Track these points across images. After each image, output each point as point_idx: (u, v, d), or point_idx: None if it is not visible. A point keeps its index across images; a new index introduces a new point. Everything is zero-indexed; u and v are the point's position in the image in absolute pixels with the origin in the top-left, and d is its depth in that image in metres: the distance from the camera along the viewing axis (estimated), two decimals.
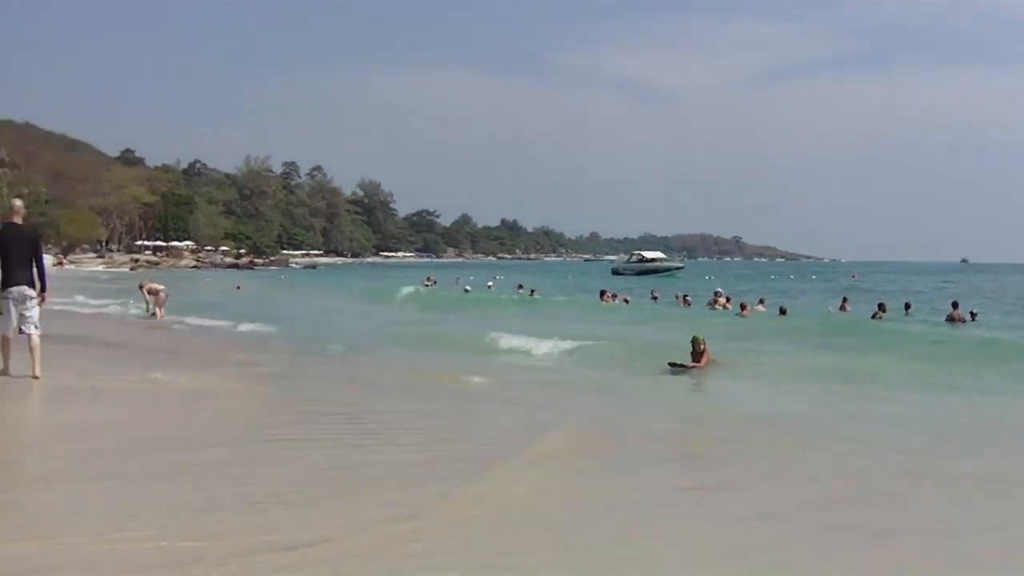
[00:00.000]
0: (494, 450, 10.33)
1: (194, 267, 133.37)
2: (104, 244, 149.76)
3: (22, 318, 13.65)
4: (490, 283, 63.93)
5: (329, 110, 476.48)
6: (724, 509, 8.14)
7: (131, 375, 15.80)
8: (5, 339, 13.68)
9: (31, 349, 13.59)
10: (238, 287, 62.77)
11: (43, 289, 14.00)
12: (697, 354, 19.57)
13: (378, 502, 7.71)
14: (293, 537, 6.52)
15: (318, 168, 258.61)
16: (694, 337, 19.94)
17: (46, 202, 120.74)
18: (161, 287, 31.82)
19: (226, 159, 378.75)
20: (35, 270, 13.81)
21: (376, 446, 10.54)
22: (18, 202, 14.73)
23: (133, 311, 32.91)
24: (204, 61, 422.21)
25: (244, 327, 28.29)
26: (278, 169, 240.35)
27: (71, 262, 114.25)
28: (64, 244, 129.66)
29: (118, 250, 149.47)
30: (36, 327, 13.70)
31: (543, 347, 22.12)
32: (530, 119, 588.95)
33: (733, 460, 10.60)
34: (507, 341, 22.87)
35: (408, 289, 50.89)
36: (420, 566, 6.07)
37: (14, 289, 13.54)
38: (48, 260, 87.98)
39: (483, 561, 6.27)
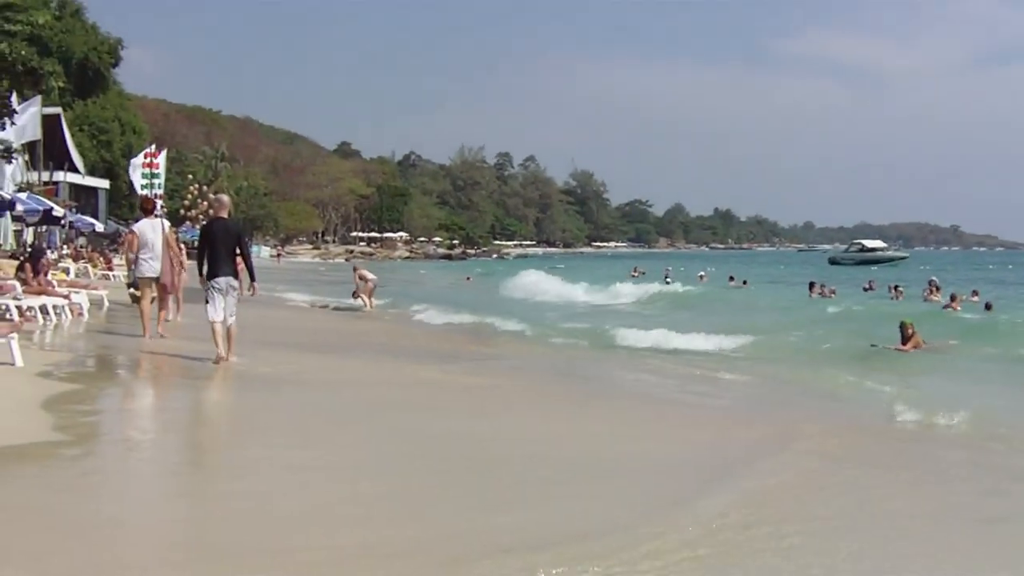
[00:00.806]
0: (732, 448, 10.17)
1: (407, 258, 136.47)
2: (320, 235, 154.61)
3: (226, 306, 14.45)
4: (701, 273, 63.42)
5: (543, 102, 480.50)
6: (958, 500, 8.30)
7: (374, 367, 16.79)
8: (214, 325, 14.38)
9: (229, 336, 14.48)
10: (468, 279, 65.73)
11: (252, 279, 14.94)
12: (905, 338, 19.96)
13: (633, 496, 7.73)
14: (546, 534, 6.43)
15: (531, 158, 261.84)
16: (902, 322, 20.46)
17: (265, 195, 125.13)
18: (372, 276, 32.12)
19: (440, 150, 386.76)
20: (240, 261, 14.64)
21: (623, 439, 10.58)
22: (225, 198, 15.90)
23: (344, 303, 33.30)
24: (419, 55, 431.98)
25: (471, 318, 27.97)
26: (491, 160, 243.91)
27: (288, 253, 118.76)
28: (281, 236, 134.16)
29: (333, 241, 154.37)
30: (233, 315, 14.49)
31: (741, 341, 21.56)
32: (743, 107, 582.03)
33: (962, 458, 10.28)
34: (706, 339, 22.03)
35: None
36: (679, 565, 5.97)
37: (221, 279, 14.36)
38: (266, 252, 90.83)
39: (740, 562, 6.11)
